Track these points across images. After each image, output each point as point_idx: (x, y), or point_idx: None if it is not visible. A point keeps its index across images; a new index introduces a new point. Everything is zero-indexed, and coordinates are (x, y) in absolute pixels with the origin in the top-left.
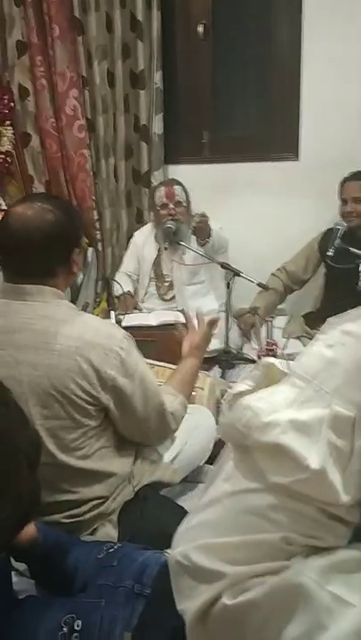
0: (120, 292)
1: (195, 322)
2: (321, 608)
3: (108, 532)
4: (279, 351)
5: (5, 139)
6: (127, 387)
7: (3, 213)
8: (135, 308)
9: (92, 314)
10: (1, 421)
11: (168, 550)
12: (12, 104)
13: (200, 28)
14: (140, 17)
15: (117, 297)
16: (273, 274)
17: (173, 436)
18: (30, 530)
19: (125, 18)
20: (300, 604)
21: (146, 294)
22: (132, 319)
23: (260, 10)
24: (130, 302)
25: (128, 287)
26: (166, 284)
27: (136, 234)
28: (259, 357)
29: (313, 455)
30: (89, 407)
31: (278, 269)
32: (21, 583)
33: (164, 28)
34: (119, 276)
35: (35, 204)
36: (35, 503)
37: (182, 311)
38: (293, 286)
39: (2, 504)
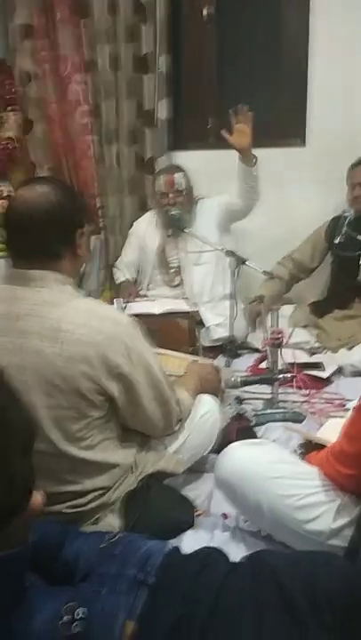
0: (120, 280)
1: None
2: None
3: (111, 521)
4: (285, 340)
5: (9, 123)
6: (133, 374)
7: (6, 200)
8: (137, 296)
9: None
10: None
11: (172, 541)
12: (15, 89)
13: (206, 11)
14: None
15: (118, 285)
16: (279, 262)
17: (181, 426)
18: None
19: (130, 0)
20: None
21: (151, 283)
22: (135, 307)
23: None
24: (132, 289)
25: (128, 276)
26: (172, 270)
27: (135, 224)
28: (264, 346)
29: None
30: (94, 396)
31: (284, 258)
32: None
33: (169, 10)
34: (120, 266)
35: (37, 185)
36: (28, 491)
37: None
38: (300, 275)
39: None
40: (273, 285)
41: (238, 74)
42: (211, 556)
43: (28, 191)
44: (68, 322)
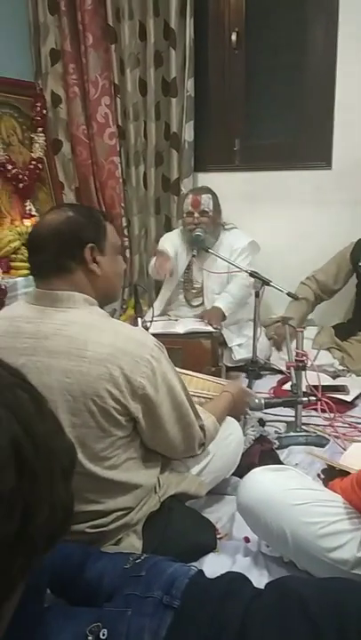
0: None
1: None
2: None
3: (133, 542)
4: (309, 363)
5: (37, 145)
6: (157, 396)
7: (33, 219)
8: (170, 275)
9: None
10: (38, 426)
11: (194, 564)
12: (45, 111)
13: (233, 37)
14: (173, 25)
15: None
16: (303, 282)
17: (204, 451)
18: None
19: (159, 26)
20: None
21: (173, 303)
22: (159, 327)
23: (294, 17)
24: (167, 265)
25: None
26: (194, 290)
27: (167, 235)
28: (288, 368)
29: None
30: (118, 416)
31: (308, 278)
32: None
33: (197, 36)
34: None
35: (56, 208)
36: (68, 518)
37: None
38: (323, 296)
39: (37, 510)
40: (299, 307)
41: (264, 96)
42: (235, 581)
43: (49, 214)
44: (95, 342)
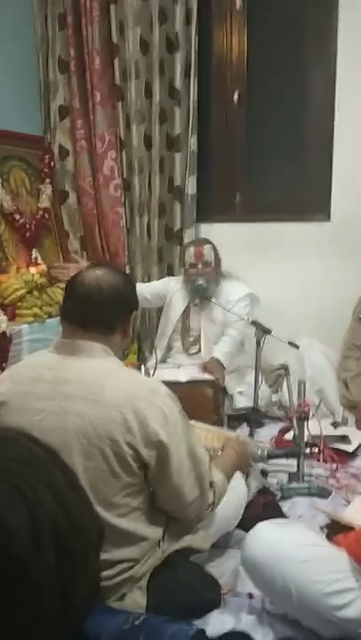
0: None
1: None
2: None
3: (137, 599)
4: (311, 413)
5: (44, 196)
6: (169, 444)
7: (39, 267)
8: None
9: None
10: (72, 504)
11: (196, 621)
12: (53, 163)
13: (235, 95)
14: (177, 85)
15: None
16: (347, 356)
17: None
18: None
19: (164, 85)
20: None
21: (172, 350)
22: (161, 374)
23: (294, 76)
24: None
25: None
26: (191, 338)
27: (167, 279)
28: (290, 418)
29: None
30: (131, 462)
31: (349, 349)
32: None
33: (200, 94)
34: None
35: (104, 267)
36: (99, 587)
37: None
38: None
39: (75, 586)
40: None
41: (265, 150)
42: None
43: (98, 270)
44: (111, 388)
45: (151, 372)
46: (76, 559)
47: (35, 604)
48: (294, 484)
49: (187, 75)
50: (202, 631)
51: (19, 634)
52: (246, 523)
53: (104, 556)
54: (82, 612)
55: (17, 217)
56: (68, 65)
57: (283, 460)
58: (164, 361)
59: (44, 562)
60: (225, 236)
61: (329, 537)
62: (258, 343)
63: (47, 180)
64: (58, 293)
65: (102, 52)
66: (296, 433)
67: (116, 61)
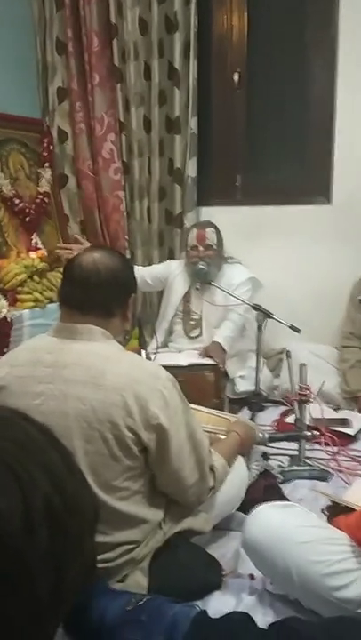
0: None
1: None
2: None
3: (138, 580)
4: (312, 396)
5: (44, 180)
6: (169, 427)
7: (39, 252)
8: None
9: None
10: (68, 484)
11: (198, 602)
12: (52, 147)
13: (235, 76)
14: (177, 66)
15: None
16: (345, 346)
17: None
18: None
19: (163, 66)
20: None
21: (173, 333)
22: (161, 358)
23: (295, 57)
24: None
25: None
26: (192, 322)
27: (169, 262)
28: (291, 402)
29: None
30: (132, 445)
31: (346, 338)
32: None
33: (200, 76)
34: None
35: (102, 250)
36: (93, 568)
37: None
38: None
39: (69, 567)
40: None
41: (265, 133)
42: (239, 622)
43: (95, 252)
44: (111, 372)
45: (152, 357)
46: (71, 538)
47: (29, 583)
48: (295, 467)
49: (186, 55)
50: (203, 612)
51: (13, 609)
52: (248, 505)
53: (106, 538)
54: (78, 588)
55: (16, 201)
56: (66, 46)
57: (284, 444)
58: (165, 345)
59: (36, 542)
60: (226, 220)
61: (329, 519)
62: (259, 327)
63: (46, 164)
64: (58, 278)
65: (101, 32)
66: (297, 416)
67: (115, 42)
